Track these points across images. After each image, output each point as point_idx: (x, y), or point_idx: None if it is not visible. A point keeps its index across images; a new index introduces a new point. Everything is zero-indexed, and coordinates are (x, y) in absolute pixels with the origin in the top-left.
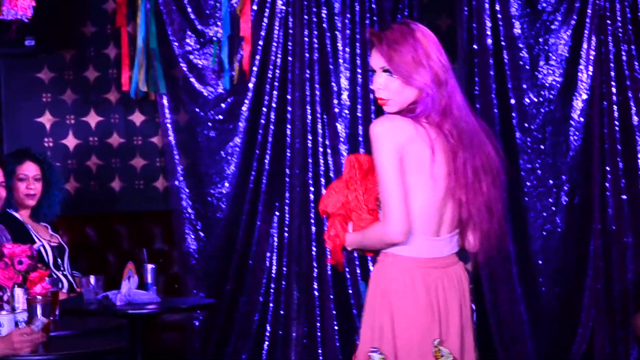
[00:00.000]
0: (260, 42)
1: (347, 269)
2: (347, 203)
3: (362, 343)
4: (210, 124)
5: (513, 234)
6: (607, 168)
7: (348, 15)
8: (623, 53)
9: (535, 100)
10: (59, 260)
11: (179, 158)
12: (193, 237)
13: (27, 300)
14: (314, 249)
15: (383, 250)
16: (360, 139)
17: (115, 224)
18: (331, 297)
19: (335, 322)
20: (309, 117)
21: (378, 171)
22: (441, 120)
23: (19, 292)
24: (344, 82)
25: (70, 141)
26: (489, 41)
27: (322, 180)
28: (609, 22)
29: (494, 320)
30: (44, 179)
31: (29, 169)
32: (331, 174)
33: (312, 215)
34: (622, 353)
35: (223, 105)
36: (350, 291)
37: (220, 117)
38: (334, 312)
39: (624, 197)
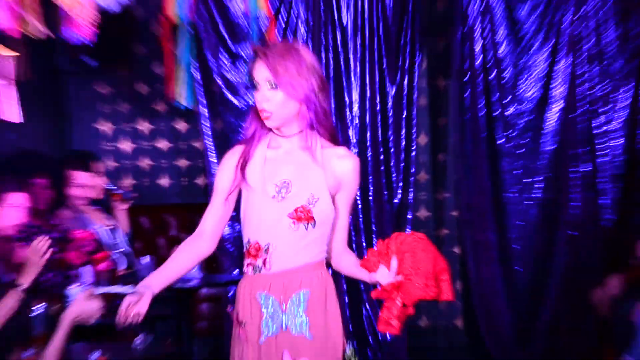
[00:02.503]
0: None
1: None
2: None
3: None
4: (242, 130)
5: (495, 224)
6: (574, 169)
7: (359, 38)
8: (593, 72)
9: (517, 111)
10: (117, 240)
11: (217, 159)
12: (228, 225)
13: (93, 276)
14: None
15: (321, 260)
16: (368, 144)
17: (164, 214)
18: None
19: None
20: None
21: (353, 201)
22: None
23: (86, 270)
24: (355, 96)
25: (126, 145)
26: (478, 61)
27: None
28: (581, 44)
29: (477, 295)
30: None
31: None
32: None
33: None
34: (580, 321)
35: None
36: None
37: None
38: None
39: (589, 193)
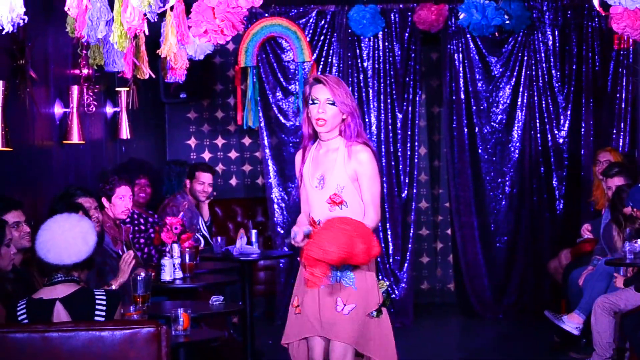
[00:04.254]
0: None
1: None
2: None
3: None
4: (290, 144)
5: (476, 212)
6: (535, 172)
7: (376, 78)
8: (543, 102)
9: (490, 130)
10: (198, 225)
11: (272, 165)
12: (279, 213)
13: (180, 251)
14: None
15: None
16: (383, 154)
17: (233, 205)
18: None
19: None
20: None
21: (373, 180)
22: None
23: (175, 246)
24: (373, 119)
25: (206, 155)
26: (462, 95)
27: None
28: (534, 82)
29: (464, 265)
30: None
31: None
32: None
33: None
34: (540, 284)
35: (298, 133)
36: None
37: (297, 140)
38: None
39: (544, 189)
